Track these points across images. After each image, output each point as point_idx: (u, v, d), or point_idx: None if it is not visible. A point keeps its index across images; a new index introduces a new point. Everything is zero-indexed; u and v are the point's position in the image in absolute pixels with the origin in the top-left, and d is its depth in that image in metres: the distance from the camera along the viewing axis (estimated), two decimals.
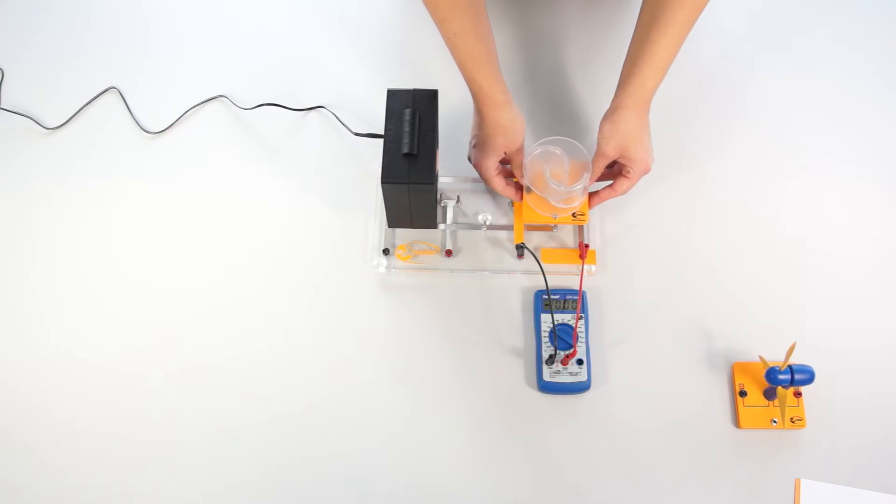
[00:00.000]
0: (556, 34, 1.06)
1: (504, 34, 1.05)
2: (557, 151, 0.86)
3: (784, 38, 1.06)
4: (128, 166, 0.97)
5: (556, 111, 1.01)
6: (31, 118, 0.99)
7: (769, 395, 0.84)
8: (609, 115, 0.86)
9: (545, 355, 0.85)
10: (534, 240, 0.93)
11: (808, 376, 0.80)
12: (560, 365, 0.84)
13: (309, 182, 0.96)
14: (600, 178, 0.89)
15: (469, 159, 0.90)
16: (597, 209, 0.94)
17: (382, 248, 0.91)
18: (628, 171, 0.86)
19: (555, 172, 0.85)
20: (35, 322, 0.89)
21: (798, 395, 0.84)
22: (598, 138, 0.86)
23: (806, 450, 0.83)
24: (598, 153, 0.86)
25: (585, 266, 0.89)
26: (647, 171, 0.87)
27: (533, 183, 0.86)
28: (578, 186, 0.84)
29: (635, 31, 0.86)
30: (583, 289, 0.86)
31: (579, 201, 0.88)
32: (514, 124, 0.86)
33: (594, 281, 0.91)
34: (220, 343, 0.88)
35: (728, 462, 0.82)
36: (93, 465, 0.82)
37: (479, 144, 0.87)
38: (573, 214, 0.89)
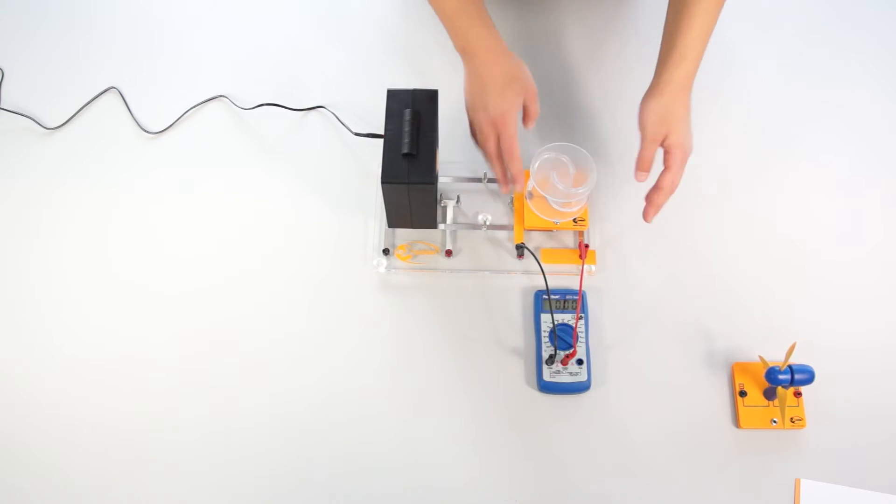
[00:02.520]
0: (556, 32, 1.06)
1: (503, 33, 1.05)
2: (564, 159, 0.87)
3: (782, 37, 1.07)
4: (128, 166, 0.97)
5: (557, 111, 1.01)
6: (31, 118, 0.99)
7: (769, 395, 0.84)
8: (654, 95, 0.82)
9: (545, 355, 0.85)
10: (534, 240, 0.93)
11: (808, 376, 0.80)
12: (560, 365, 0.84)
13: (309, 182, 0.96)
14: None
15: (474, 139, 0.87)
16: (597, 209, 0.94)
17: (382, 248, 0.91)
18: (669, 160, 0.81)
19: (560, 178, 0.86)
20: (35, 322, 0.89)
21: (798, 395, 0.84)
22: (641, 121, 0.82)
23: (806, 450, 0.83)
24: (647, 139, 0.81)
25: (585, 266, 0.89)
26: (687, 156, 0.82)
27: (539, 185, 0.87)
28: (584, 190, 0.85)
29: (669, 7, 0.83)
30: (583, 289, 0.86)
31: (580, 206, 0.89)
32: (522, 67, 0.85)
33: (594, 281, 0.91)
34: (221, 343, 0.88)
35: (728, 462, 0.82)
36: (93, 465, 0.82)
37: (492, 105, 0.83)
38: (574, 220, 0.89)
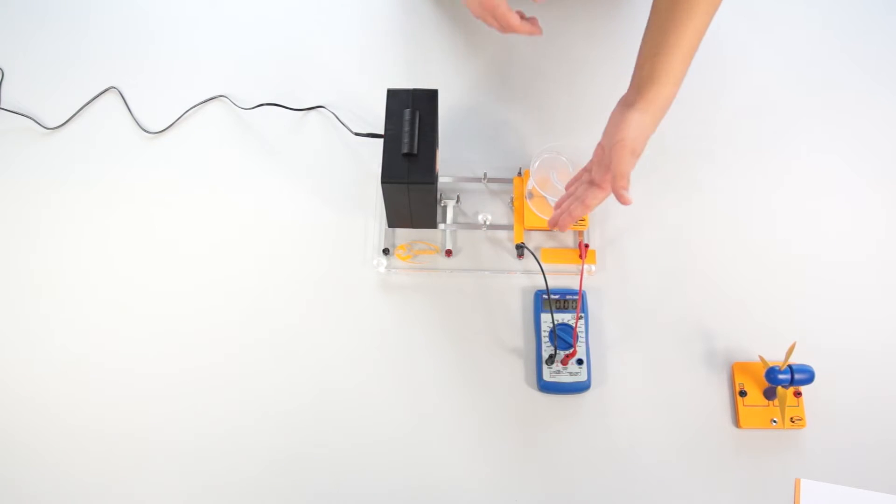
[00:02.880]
0: (554, 32, 1.06)
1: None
2: (564, 158, 0.87)
3: (783, 40, 1.06)
4: (128, 166, 0.97)
5: (556, 110, 1.01)
6: (31, 118, 0.99)
7: (769, 394, 0.84)
8: (638, 109, 0.77)
9: (545, 355, 0.85)
10: (534, 240, 0.93)
11: (808, 376, 0.80)
12: (560, 365, 0.84)
13: (309, 182, 0.96)
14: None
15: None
16: (597, 209, 0.93)
17: (382, 248, 0.91)
18: (606, 181, 0.78)
19: (560, 178, 0.86)
20: (35, 321, 0.89)
21: (798, 394, 0.84)
22: (621, 132, 0.76)
23: (806, 450, 0.83)
24: (630, 152, 0.75)
25: (585, 266, 0.89)
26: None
27: (539, 185, 0.87)
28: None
29: (653, 21, 0.79)
30: (583, 289, 0.86)
31: None
32: None
33: (594, 281, 0.91)
34: (221, 342, 0.88)
35: (728, 462, 0.83)
36: (93, 464, 0.82)
37: None
38: None
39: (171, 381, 0.86)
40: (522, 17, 0.85)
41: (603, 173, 0.78)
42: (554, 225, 0.84)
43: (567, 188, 0.85)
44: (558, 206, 0.85)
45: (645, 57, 0.78)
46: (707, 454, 0.83)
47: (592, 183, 0.80)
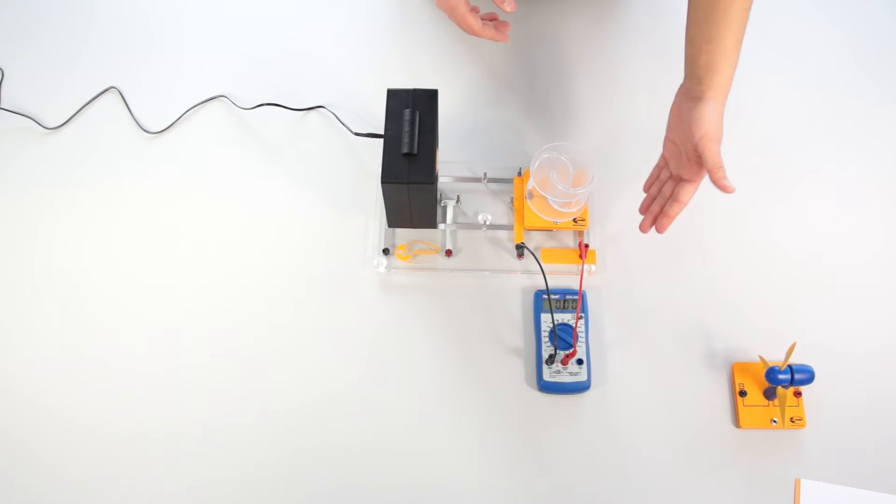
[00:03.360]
0: (553, 32, 1.06)
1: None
2: (564, 158, 0.87)
3: (781, 39, 1.06)
4: (128, 166, 0.97)
5: (556, 110, 1.01)
6: (31, 118, 0.99)
7: (769, 394, 0.84)
8: (708, 99, 0.77)
9: (545, 355, 0.85)
10: (534, 240, 0.93)
11: (808, 376, 0.80)
12: (560, 365, 0.84)
13: (309, 182, 0.96)
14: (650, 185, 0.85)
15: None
16: (597, 209, 0.94)
17: (382, 248, 0.91)
18: (697, 174, 0.78)
19: (560, 178, 0.86)
20: (36, 321, 0.89)
21: (798, 394, 0.84)
22: (703, 126, 0.76)
23: (806, 450, 0.83)
24: (717, 142, 0.75)
25: (585, 266, 0.89)
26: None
27: (539, 185, 0.87)
28: (583, 190, 0.85)
29: (696, 8, 0.79)
30: (583, 289, 0.86)
31: (580, 206, 0.89)
32: None
33: (594, 281, 0.91)
34: (221, 342, 0.88)
35: (728, 462, 0.83)
36: (93, 464, 0.82)
37: None
38: (574, 220, 0.89)
39: (172, 381, 0.86)
40: (494, 18, 0.85)
41: (688, 167, 0.79)
42: (648, 229, 0.84)
43: (646, 189, 0.86)
44: (644, 209, 0.85)
45: (698, 46, 0.79)
46: (707, 454, 0.83)
47: (680, 179, 0.81)
